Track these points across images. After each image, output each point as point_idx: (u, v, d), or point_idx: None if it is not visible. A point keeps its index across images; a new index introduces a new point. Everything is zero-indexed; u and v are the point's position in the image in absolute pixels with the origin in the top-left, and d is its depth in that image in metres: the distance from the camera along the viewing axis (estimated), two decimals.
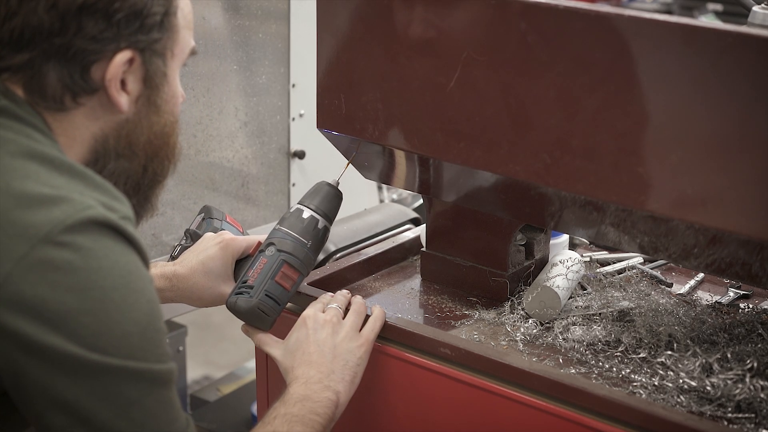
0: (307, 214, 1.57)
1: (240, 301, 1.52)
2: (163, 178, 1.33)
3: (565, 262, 1.67)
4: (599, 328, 1.55)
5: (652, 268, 1.80)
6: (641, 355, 1.49)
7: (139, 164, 1.28)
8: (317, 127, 1.68)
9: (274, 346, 1.52)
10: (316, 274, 1.71)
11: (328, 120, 1.66)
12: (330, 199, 1.59)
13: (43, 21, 1.16)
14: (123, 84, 1.22)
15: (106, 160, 1.26)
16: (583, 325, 1.57)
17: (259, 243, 1.61)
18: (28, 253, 1.08)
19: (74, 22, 1.17)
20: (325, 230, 1.58)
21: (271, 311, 1.53)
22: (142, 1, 1.20)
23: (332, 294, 1.58)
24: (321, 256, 1.86)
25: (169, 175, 1.35)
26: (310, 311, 1.52)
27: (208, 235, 1.66)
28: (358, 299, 1.57)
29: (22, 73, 1.19)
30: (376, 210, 2.14)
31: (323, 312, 1.52)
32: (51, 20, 1.16)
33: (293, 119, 2.31)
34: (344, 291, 1.59)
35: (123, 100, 1.22)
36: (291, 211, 1.58)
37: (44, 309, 1.08)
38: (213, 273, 1.61)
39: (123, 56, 1.20)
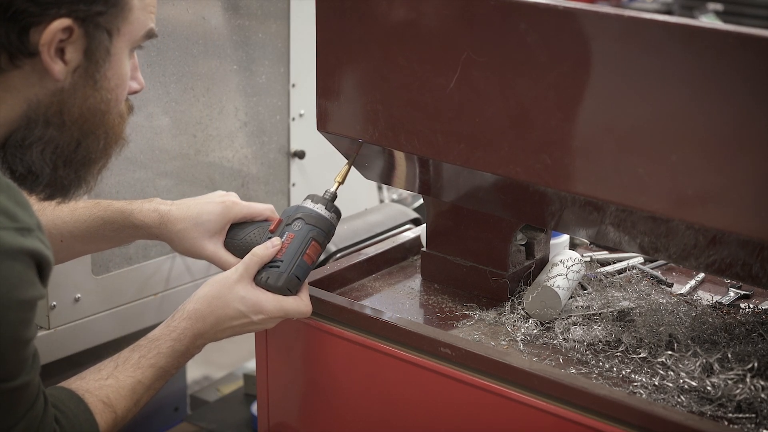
0: (327, 194, 1.60)
1: (271, 276, 1.53)
2: (97, 157, 1.32)
3: (566, 262, 1.67)
4: (599, 328, 1.55)
5: (652, 268, 1.80)
6: (641, 355, 1.49)
7: (71, 137, 1.27)
8: (317, 129, 1.68)
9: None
10: (317, 274, 1.71)
11: (328, 122, 1.66)
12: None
13: None
14: (62, 53, 1.21)
15: (35, 125, 1.25)
16: (584, 325, 1.57)
17: (271, 219, 1.63)
18: None
19: None
20: (338, 214, 1.62)
21: (296, 286, 1.55)
22: None
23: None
24: (321, 257, 1.86)
25: (106, 156, 1.33)
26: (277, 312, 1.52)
27: (219, 191, 1.67)
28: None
29: None
30: (377, 210, 2.14)
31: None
32: None
33: (293, 119, 2.31)
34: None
35: (57, 68, 1.21)
36: (305, 198, 1.61)
37: None
38: (204, 226, 1.61)
39: (60, 23, 1.19)
